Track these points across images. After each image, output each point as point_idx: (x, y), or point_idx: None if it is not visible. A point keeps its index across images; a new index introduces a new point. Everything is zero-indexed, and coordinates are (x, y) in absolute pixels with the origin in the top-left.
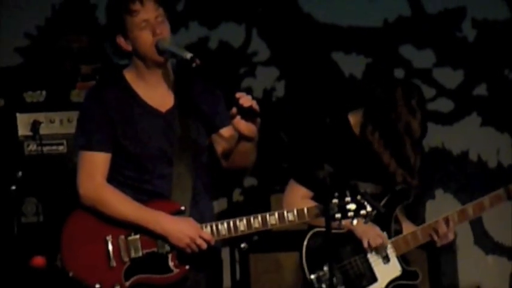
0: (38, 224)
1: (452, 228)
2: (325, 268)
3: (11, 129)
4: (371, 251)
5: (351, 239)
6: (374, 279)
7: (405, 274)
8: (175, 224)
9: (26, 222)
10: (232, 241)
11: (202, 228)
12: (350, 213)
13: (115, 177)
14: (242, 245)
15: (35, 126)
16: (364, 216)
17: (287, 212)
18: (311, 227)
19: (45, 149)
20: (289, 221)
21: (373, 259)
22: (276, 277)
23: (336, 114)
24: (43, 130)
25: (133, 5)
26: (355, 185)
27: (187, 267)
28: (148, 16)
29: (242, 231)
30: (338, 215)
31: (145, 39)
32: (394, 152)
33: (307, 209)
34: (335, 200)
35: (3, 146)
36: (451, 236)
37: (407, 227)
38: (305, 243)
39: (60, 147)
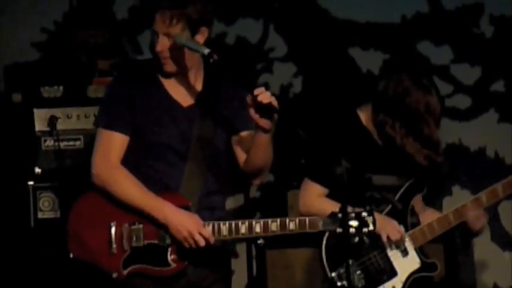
0: (55, 220)
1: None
2: (346, 264)
3: (28, 125)
4: (390, 246)
5: (370, 235)
6: (394, 273)
7: (424, 266)
8: (178, 216)
9: (43, 218)
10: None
11: (204, 225)
12: (352, 230)
13: (129, 163)
14: (259, 241)
15: (52, 121)
16: (366, 234)
17: (289, 221)
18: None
19: (62, 144)
20: (289, 230)
21: (392, 253)
22: (292, 273)
23: (345, 109)
24: (60, 125)
25: (156, 12)
26: (370, 185)
27: (185, 262)
28: (156, 28)
29: (243, 234)
30: (339, 230)
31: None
32: (417, 135)
33: (309, 220)
34: (338, 215)
35: (21, 141)
36: (483, 218)
37: (428, 215)
38: (324, 241)
39: (77, 143)
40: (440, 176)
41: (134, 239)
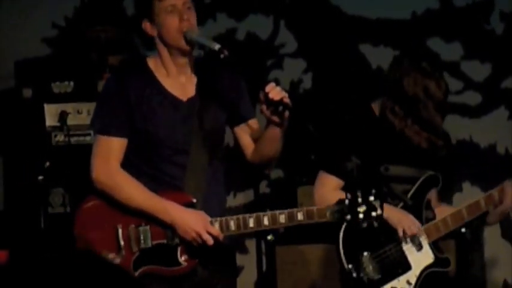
0: (65, 215)
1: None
2: (363, 256)
3: (38, 120)
4: (405, 240)
5: (386, 228)
6: (408, 267)
7: (437, 261)
8: (184, 216)
9: (53, 213)
10: (258, 233)
11: (212, 223)
12: (360, 215)
13: (130, 163)
14: (268, 237)
15: (63, 116)
16: (375, 219)
17: (296, 212)
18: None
19: (73, 139)
20: (298, 221)
21: (407, 247)
22: (302, 269)
23: (358, 103)
24: (70, 121)
25: None
26: (384, 177)
27: (196, 261)
28: (176, 1)
29: (251, 228)
30: (348, 217)
31: (172, 23)
32: (415, 117)
33: (317, 210)
34: (346, 201)
35: (31, 136)
36: (507, 203)
37: (442, 210)
38: (341, 234)
39: (88, 138)
40: (446, 163)
41: (142, 240)
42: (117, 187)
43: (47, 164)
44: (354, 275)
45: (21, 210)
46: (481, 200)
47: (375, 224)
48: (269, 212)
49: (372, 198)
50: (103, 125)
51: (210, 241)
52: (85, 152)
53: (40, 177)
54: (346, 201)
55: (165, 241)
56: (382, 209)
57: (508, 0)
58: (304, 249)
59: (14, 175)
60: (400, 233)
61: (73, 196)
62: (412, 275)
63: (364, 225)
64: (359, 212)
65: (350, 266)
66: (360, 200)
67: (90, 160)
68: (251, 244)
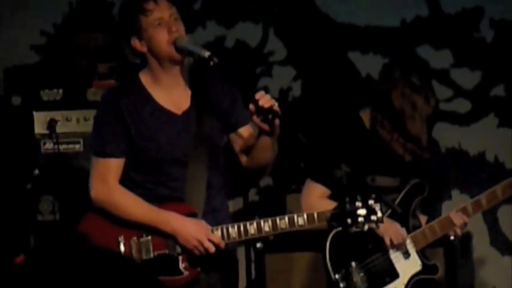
0: (54, 222)
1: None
2: (350, 267)
3: (27, 128)
4: (392, 248)
5: (372, 237)
6: (396, 275)
7: (425, 268)
8: (184, 225)
9: (42, 220)
10: (247, 241)
11: (212, 231)
12: (360, 219)
13: (130, 180)
14: (258, 245)
15: (52, 124)
16: (375, 222)
17: (297, 217)
18: (331, 226)
19: (62, 147)
20: (299, 226)
21: (394, 255)
22: (291, 277)
23: (347, 112)
24: (59, 128)
25: (147, 4)
26: (370, 187)
27: (198, 269)
28: (162, 14)
29: (252, 234)
30: (348, 221)
31: (161, 36)
32: (401, 131)
33: (318, 214)
34: (346, 206)
35: (20, 144)
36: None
37: (423, 222)
38: (328, 243)
39: (77, 146)
40: (434, 172)
41: (144, 251)
42: (115, 203)
43: (36, 171)
44: (341, 285)
45: (10, 218)
46: (468, 205)
47: (375, 227)
48: (269, 219)
49: (371, 201)
50: (99, 147)
51: (212, 249)
52: (74, 159)
53: (29, 185)
54: (346, 205)
55: (166, 251)
56: (382, 212)
57: (497, 8)
58: (294, 257)
59: (2, 183)
60: (387, 242)
61: (62, 204)
62: (400, 283)
63: (365, 228)
64: (359, 216)
65: (337, 276)
66: (359, 203)
67: (88, 181)
68: (240, 252)
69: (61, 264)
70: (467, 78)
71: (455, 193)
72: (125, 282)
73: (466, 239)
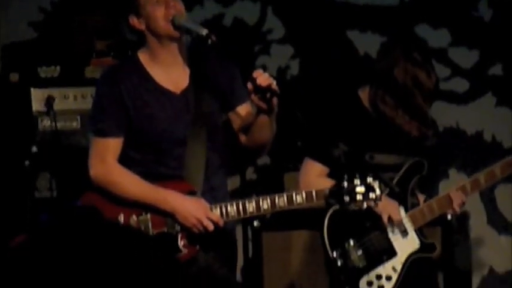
0: (51, 199)
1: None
2: (348, 244)
3: (25, 105)
4: (390, 227)
5: (370, 215)
6: (394, 253)
7: (423, 247)
8: (183, 203)
9: (40, 197)
10: (245, 219)
11: (211, 209)
12: (359, 197)
13: (130, 160)
14: (255, 223)
15: (49, 101)
16: (374, 200)
17: (296, 195)
18: (330, 204)
19: (59, 124)
20: (297, 204)
21: (392, 233)
22: (289, 255)
23: (345, 90)
24: (57, 106)
25: None
26: (369, 165)
27: (197, 247)
28: None
29: (251, 212)
30: (347, 199)
31: (159, 14)
32: (406, 107)
33: (316, 192)
34: (344, 183)
35: (18, 121)
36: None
37: (421, 200)
38: (326, 221)
39: (74, 123)
40: (432, 151)
41: (143, 229)
42: (114, 182)
43: (34, 148)
44: (339, 262)
45: (7, 195)
46: (467, 184)
47: (374, 205)
48: (268, 196)
49: (370, 179)
50: (98, 127)
51: (211, 227)
52: (71, 137)
53: (26, 162)
54: (344, 183)
55: (165, 229)
56: (381, 190)
57: None
58: (291, 235)
59: (0, 160)
60: (385, 220)
61: (59, 181)
62: (398, 262)
63: (364, 206)
64: (357, 193)
65: (335, 254)
66: (358, 181)
67: (87, 160)
68: (237, 230)
69: (78, 238)
70: (465, 57)
71: (452, 172)
72: (141, 255)
73: (463, 218)
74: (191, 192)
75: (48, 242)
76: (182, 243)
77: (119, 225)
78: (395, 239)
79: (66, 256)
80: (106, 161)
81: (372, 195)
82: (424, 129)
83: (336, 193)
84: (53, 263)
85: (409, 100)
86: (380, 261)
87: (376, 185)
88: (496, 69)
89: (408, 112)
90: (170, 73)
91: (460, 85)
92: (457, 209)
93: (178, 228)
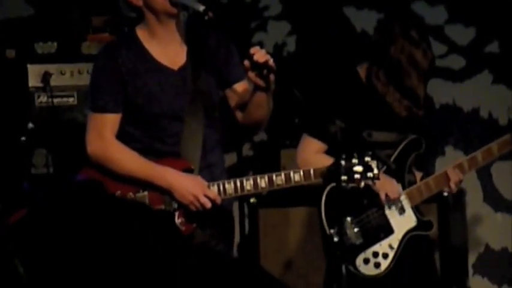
0: (48, 176)
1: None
2: (345, 222)
3: (21, 80)
4: (388, 204)
5: (368, 192)
6: (391, 231)
7: (420, 224)
8: (181, 180)
9: (36, 174)
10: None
11: (209, 186)
12: (357, 176)
13: (127, 136)
14: (251, 200)
15: (46, 77)
16: (371, 179)
17: (293, 173)
18: (327, 182)
19: (56, 100)
20: (295, 182)
21: (389, 211)
22: (285, 231)
23: (343, 66)
24: (54, 82)
25: None
26: (366, 142)
27: (194, 225)
28: None
29: (248, 190)
30: (344, 177)
31: None
32: (398, 84)
33: (314, 170)
34: (342, 162)
35: (14, 97)
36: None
37: (418, 178)
38: (323, 198)
39: (71, 99)
40: (425, 131)
41: None
42: (112, 158)
43: (30, 124)
44: (336, 239)
45: (4, 171)
46: (464, 162)
47: (371, 183)
48: (266, 175)
49: (368, 158)
50: (96, 103)
51: (208, 204)
52: (68, 113)
53: (23, 138)
54: (342, 162)
55: (163, 207)
56: (378, 169)
57: None
58: (287, 212)
59: None
60: (383, 197)
61: (56, 157)
62: (395, 239)
63: (362, 185)
64: (355, 172)
65: (332, 230)
66: (355, 160)
67: (85, 136)
68: (234, 207)
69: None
70: (462, 34)
71: (449, 149)
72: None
73: (459, 195)
74: (188, 170)
75: (52, 216)
76: (179, 220)
77: (122, 198)
78: (392, 216)
79: (71, 230)
80: (104, 137)
81: (369, 174)
82: (414, 109)
83: (333, 172)
84: (58, 237)
85: (402, 78)
86: (377, 239)
87: (374, 164)
88: (493, 47)
89: (399, 90)
90: (168, 50)
91: (457, 62)
92: (454, 187)
93: (175, 205)
